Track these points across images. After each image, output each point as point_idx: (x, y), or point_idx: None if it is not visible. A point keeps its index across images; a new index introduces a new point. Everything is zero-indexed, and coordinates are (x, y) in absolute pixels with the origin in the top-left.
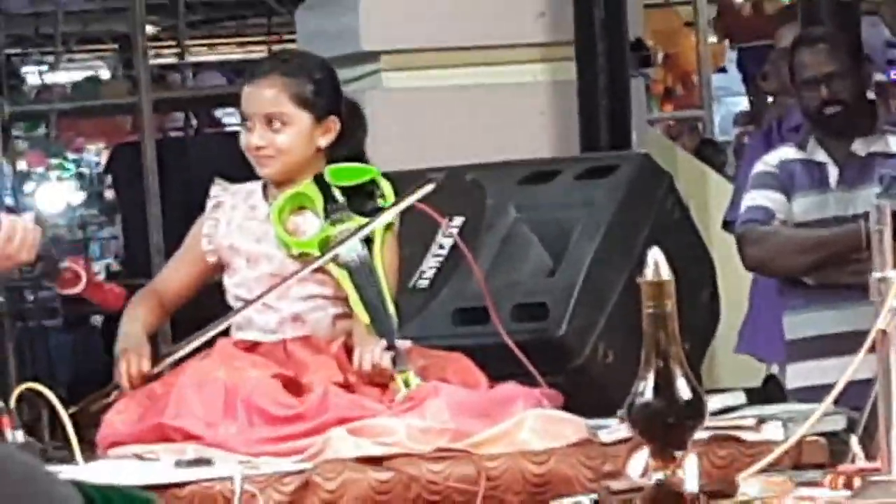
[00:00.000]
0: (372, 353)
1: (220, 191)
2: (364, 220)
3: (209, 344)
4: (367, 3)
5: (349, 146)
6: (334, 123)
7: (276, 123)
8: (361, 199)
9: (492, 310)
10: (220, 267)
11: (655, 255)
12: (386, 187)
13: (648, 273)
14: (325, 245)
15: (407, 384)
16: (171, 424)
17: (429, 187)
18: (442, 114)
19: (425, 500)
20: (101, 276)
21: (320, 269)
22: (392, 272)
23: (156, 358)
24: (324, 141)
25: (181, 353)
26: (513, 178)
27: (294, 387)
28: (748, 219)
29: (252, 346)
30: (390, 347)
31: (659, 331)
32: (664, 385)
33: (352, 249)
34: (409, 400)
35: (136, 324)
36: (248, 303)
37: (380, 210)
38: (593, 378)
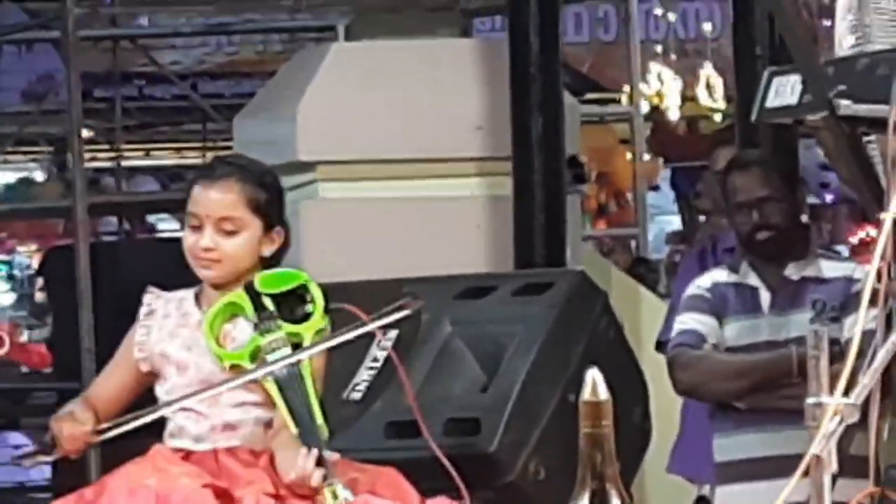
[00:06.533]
0: (299, 463)
1: (152, 298)
2: (292, 328)
3: (143, 447)
4: (305, 112)
5: (276, 258)
6: (279, 234)
7: (228, 227)
8: (291, 304)
9: (422, 423)
10: (154, 375)
11: (594, 375)
12: (315, 292)
13: (586, 393)
14: (255, 356)
15: (335, 497)
16: None
17: (405, 311)
18: (378, 225)
19: None
20: (25, 338)
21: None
22: (320, 380)
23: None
24: (268, 251)
25: (119, 430)
26: (449, 292)
27: (226, 498)
28: (679, 343)
29: (185, 456)
30: (318, 459)
31: (595, 451)
32: None
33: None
34: None
35: (70, 406)
36: (173, 401)
37: (309, 316)
38: (525, 494)
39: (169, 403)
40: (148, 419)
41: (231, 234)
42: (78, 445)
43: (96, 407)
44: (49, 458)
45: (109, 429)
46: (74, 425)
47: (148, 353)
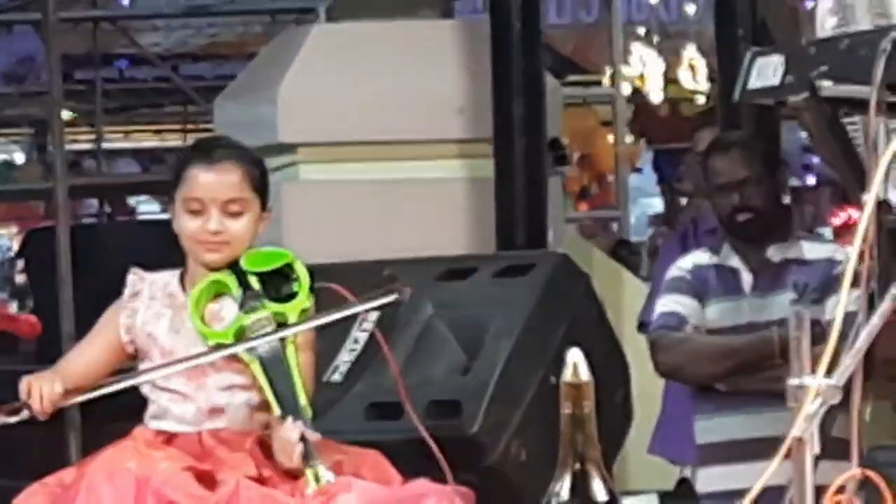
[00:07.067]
0: (282, 434)
1: (136, 280)
2: (277, 307)
3: (125, 431)
4: (286, 94)
5: None
6: (270, 212)
7: (234, 209)
8: (277, 283)
9: (407, 402)
10: (134, 356)
11: (575, 357)
12: (301, 271)
13: (567, 374)
14: (240, 335)
15: (317, 479)
16: None
17: (392, 297)
18: (359, 208)
19: None
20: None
21: (237, 359)
22: (308, 362)
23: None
24: (263, 228)
25: (91, 395)
26: (430, 274)
27: (208, 480)
28: (660, 325)
29: (169, 438)
30: (301, 437)
31: (576, 432)
32: (581, 487)
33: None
34: (321, 494)
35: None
36: (141, 371)
37: (294, 295)
38: (506, 476)
39: (141, 373)
40: (118, 387)
41: (237, 215)
42: (47, 406)
43: (64, 380)
44: (16, 419)
45: (80, 392)
46: (45, 385)
47: (134, 335)
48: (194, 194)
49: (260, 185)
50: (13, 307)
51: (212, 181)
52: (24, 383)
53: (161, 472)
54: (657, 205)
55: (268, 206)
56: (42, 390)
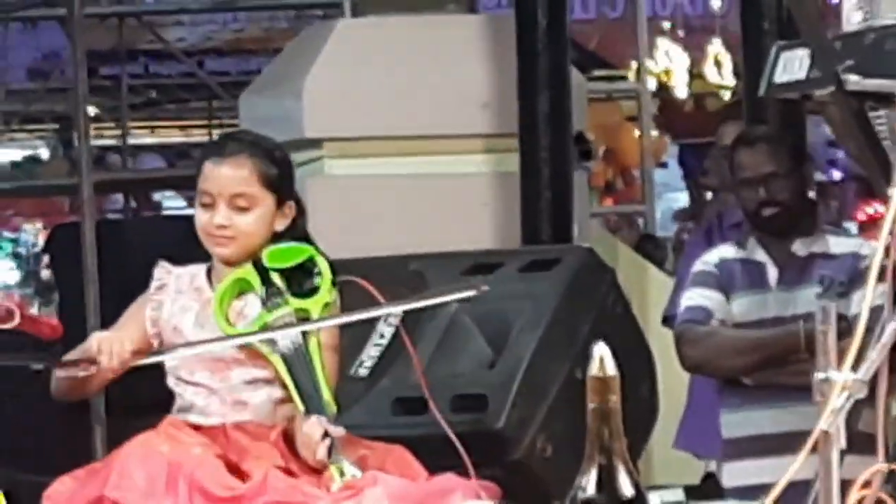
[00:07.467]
0: (304, 430)
1: (163, 273)
2: (299, 303)
3: (149, 425)
4: (311, 89)
5: (292, 233)
6: (291, 209)
7: (241, 204)
8: (300, 278)
9: (429, 398)
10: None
11: (601, 351)
12: (323, 264)
13: (594, 368)
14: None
15: (342, 474)
16: (111, 497)
17: (469, 293)
18: (384, 202)
19: None
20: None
21: (261, 355)
22: (331, 361)
23: None
24: (280, 225)
25: (157, 358)
26: (455, 268)
27: (235, 472)
28: (686, 319)
29: (194, 430)
30: (325, 435)
31: (603, 426)
32: (607, 481)
33: (286, 336)
34: (349, 488)
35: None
36: (217, 339)
37: (316, 290)
38: (532, 471)
39: (210, 341)
40: (191, 352)
41: (244, 210)
42: (116, 362)
43: None
44: (84, 373)
45: (146, 355)
46: (115, 342)
47: (160, 328)
48: (205, 187)
49: (273, 182)
50: (35, 306)
51: (220, 175)
52: (95, 340)
53: (194, 458)
54: (682, 199)
55: (287, 203)
56: (112, 347)
